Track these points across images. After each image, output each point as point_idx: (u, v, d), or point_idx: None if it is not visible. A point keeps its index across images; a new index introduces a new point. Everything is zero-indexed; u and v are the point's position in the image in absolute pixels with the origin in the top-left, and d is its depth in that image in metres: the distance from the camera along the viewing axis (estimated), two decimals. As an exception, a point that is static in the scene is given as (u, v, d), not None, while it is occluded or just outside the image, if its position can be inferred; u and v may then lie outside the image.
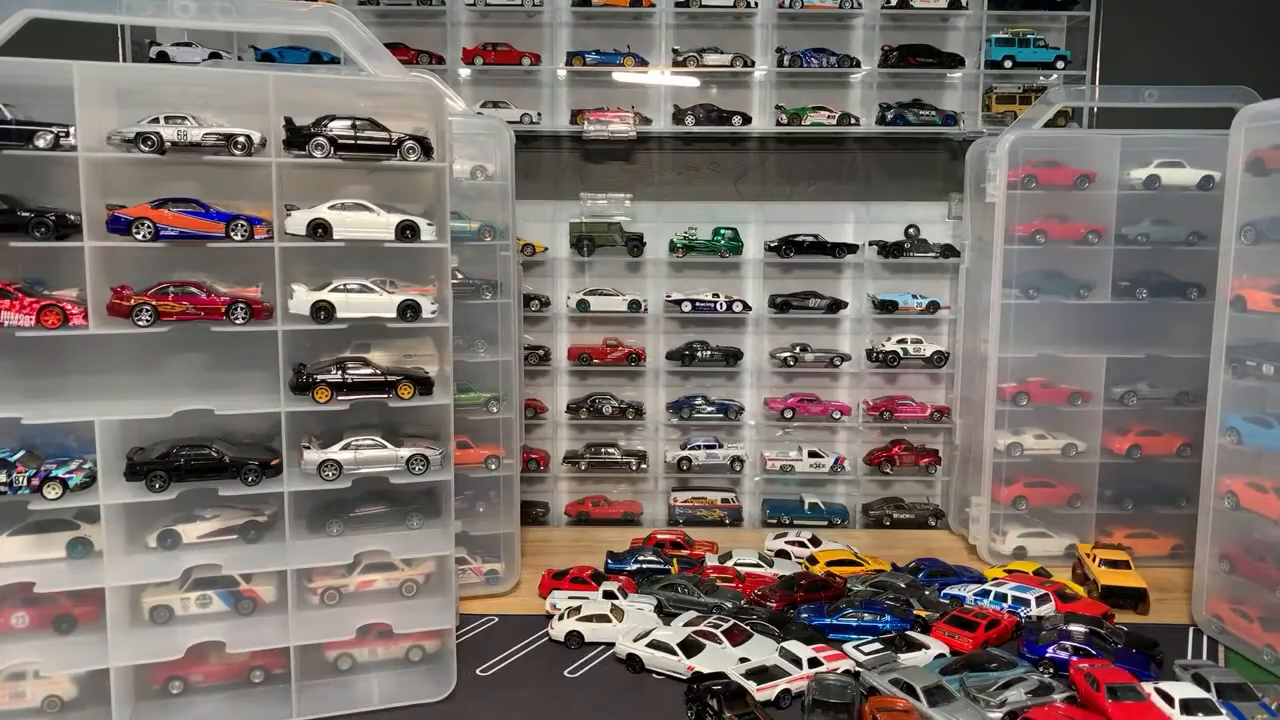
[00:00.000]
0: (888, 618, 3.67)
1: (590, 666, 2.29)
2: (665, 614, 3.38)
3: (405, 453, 1.90)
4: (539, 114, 3.17)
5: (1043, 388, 2.84)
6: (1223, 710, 2.99)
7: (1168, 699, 3.01)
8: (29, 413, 1.59)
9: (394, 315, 1.72)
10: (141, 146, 1.54)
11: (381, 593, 2.03)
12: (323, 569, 1.92)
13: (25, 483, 1.58)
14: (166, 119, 1.58)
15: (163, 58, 2.88)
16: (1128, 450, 2.87)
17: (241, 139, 1.60)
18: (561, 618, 2.43)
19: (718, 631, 3.16)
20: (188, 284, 1.64)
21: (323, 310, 1.65)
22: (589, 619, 2.42)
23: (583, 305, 3.20)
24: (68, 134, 1.51)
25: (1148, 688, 3.09)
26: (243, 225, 1.61)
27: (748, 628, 3.36)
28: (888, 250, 3.20)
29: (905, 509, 3.53)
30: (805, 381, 3.35)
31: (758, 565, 4.20)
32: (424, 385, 1.80)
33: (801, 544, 4.42)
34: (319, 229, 1.63)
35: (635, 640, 2.27)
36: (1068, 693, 3.18)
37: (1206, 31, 3.14)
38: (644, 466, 3.37)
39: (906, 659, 3.39)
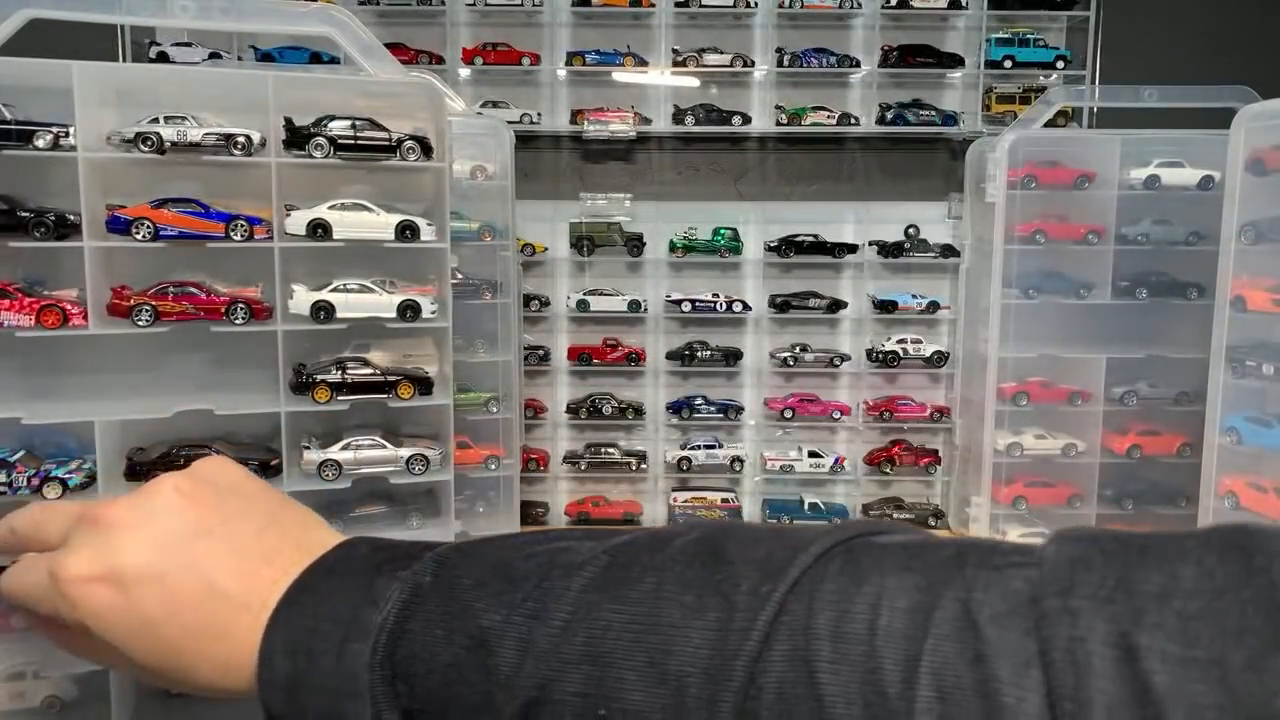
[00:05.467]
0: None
1: (590, 666, 2.29)
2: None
3: (405, 453, 1.89)
4: (539, 114, 3.16)
5: (1042, 388, 2.84)
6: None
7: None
8: (29, 413, 1.58)
9: (394, 315, 1.71)
10: (141, 146, 1.54)
11: (381, 593, 2.02)
12: (322, 569, 1.92)
13: (25, 483, 1.57)
14: (166, 119, 1.57)
15: (163, 58, 2.87)
16: (1127, 450, 2.86)
17: (241, 139, 1.59)
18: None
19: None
20: (187, 284, 1.63)
21: (322, 310, 1.65)
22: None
23: (583, 305, 3.19)
24: (67, 134, 1.50)
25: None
26: (242, 225, 1.61)
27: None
28: (887, 250, 3.19)
29: (905, 509, 3.52)
30: (805, 381, 3.34)
31: (758, 565, 4.17)
32: (424, 385, 1.80)
33: (801, 544, 4.37)
34: (319, 229, 1.63)
35: (635, 640, 2.27)
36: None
37: (1206, 31, 3.14)
38: (644, 466, 3.36)
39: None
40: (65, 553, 0.54)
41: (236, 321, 1.61)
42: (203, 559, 0.53)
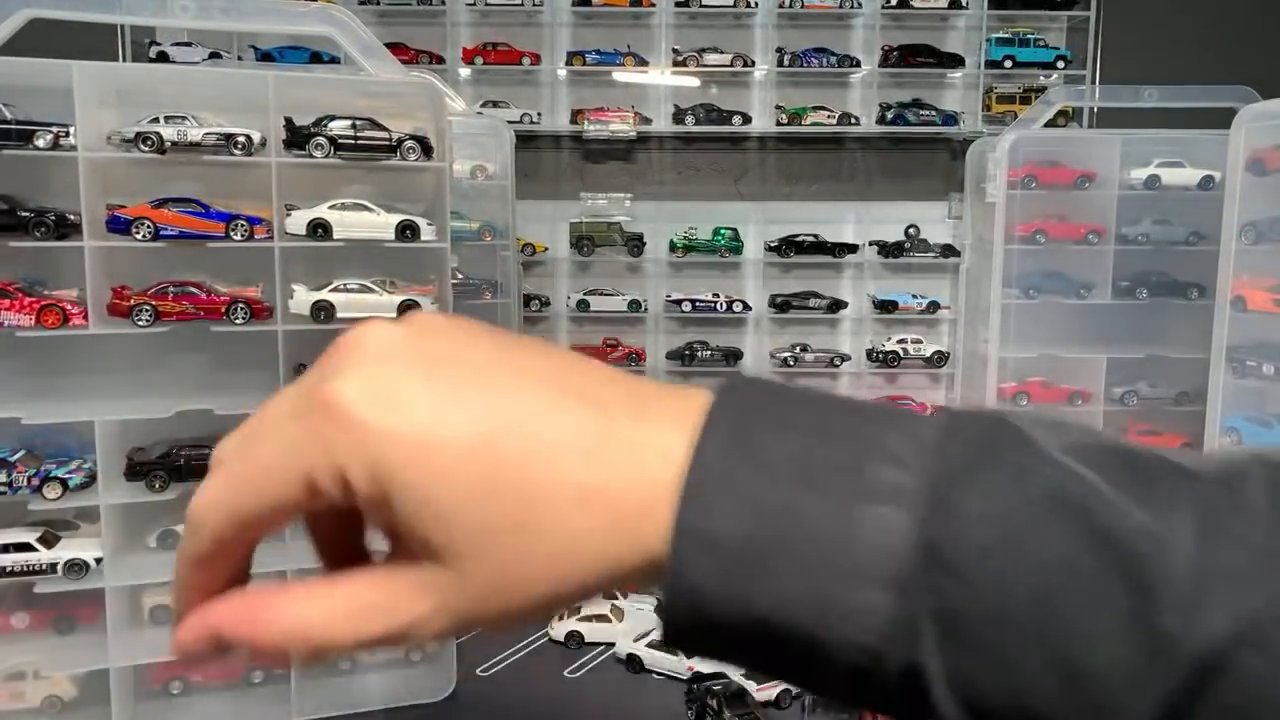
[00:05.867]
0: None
1: (590, 666, 2.29)
2: (665, 614, 3.37)
3: (405, 453, 1.90)
4: (539, 114, 3.16)
5: (1043, 388, 2.83)
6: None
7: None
8: (29, 412, 1.59)
9: (394, 315, 1.72)
10: (141, 146, 1.54)
11: (381, 593, 2.04)
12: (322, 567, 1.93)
13: (25, 483, 1.58)
14: (166, 119, 1.57)
15: (163, 57, 2.87)
16: (1128, 450, 2.85)
17: (241, 139, 1.60)
18: (561, 617, 2.43)
19: (718, 631, 3.14)
20: (187, 284, 1.63)
21: (323, 310, 1.65)
22: (589, 619, 2.42)
23: (583, 305, 3.19)
24: (67, 134, 1.51)
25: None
26: (243, 225, 1.61)
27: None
28: (888, 250, 3.19)
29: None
30: (805, 381, 3.34)
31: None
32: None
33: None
34: (319, 229, 1.63)
35: (635, 640, 2.27)
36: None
37: (1206, 31, 3.14)
38: (644, 466, 3.33)
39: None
40: (323, 381, 0.33)
41: (236, 321, 1.61)
42: (541, 368, 0.34)
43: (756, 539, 0.31)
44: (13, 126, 1.48)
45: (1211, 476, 0.31)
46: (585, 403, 0.33)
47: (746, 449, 0.32)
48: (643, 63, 3.16)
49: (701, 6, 3.07)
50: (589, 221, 3.23)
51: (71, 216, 1.53)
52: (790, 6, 3.08)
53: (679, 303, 3.23)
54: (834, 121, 3.16)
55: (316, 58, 2.93)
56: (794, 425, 0.32)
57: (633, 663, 2.26)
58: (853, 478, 0.31)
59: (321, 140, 1.61)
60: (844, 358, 3.32)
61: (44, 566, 1.58)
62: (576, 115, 3.20)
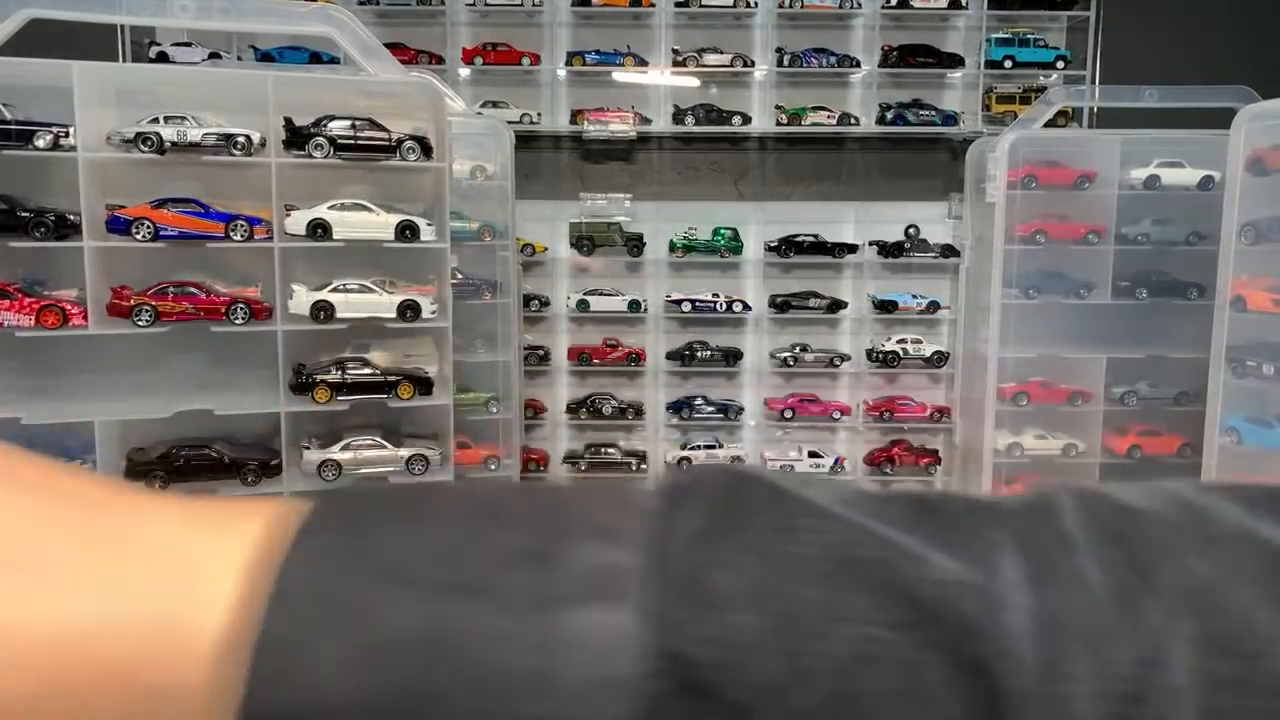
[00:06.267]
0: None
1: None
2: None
3: (405, 453, 1.90)
4: (539, 114, 3.16)
5: (1042, 388, 2.83)
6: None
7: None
8: (29, 413, 1.59)
9: (394, 315, 1.72)
10: (141, 147, 1.54)
11: (381, 593, 2.03)
12: (322, 569, 1.92)
13: (25, 483, 1.58)
14: (166, 119, 1.58)
15: (162, 58, 2.87)
16: (1128, 450, 2.86)
17: (241, 139, 1.60)
18: None
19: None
20: (187, 284, 1.63)
21: (322, 310, 1.65)
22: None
23: (583, 305, 3.18)
24: (67, 134, 1.51)
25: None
26: (242, 225, 1.61)
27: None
28: (888, 250, 3.19)
29: (905, 509, 3.54)
30: (805, 381, 3.34)
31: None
32: (424, 385, 1.80)
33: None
34: (319, 229, 1.63)
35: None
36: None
37: (1206, 31, 3.13)
38: (644, 467, 3.35)
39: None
40: None
41: (236, 321, 1.61)
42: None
43: (386, 695, 0.18)
44: (13, 126, 1.48)
45: (1018, 510, 0.24)
46: (57, 494, 0.21)
47: (365, 549, 0.20)
48: (642, 63, 3.16)
49: (701, 6, 3.07)
50: (589, 221, 3.23)
51: (71, 217, 1.53)
52: (790, 6, 3.08)
53: (679, 303, 3.23)
54: (834, 121, 3.15)
55: (316, 58, 2.93)
56: (437, 513, 0.22)
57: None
58: (540, 568, 0.20)
59: (321, 140, 1.61)
60: (844, 358, 3.32)
61: (44, 566, 1.58)
62: (576, 115, 3.20)
